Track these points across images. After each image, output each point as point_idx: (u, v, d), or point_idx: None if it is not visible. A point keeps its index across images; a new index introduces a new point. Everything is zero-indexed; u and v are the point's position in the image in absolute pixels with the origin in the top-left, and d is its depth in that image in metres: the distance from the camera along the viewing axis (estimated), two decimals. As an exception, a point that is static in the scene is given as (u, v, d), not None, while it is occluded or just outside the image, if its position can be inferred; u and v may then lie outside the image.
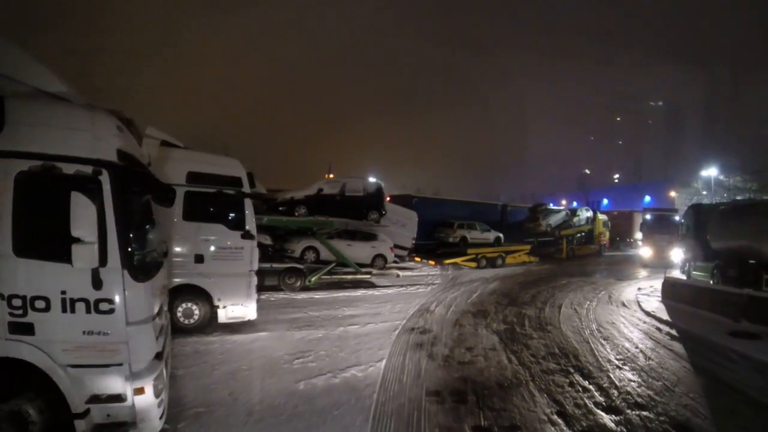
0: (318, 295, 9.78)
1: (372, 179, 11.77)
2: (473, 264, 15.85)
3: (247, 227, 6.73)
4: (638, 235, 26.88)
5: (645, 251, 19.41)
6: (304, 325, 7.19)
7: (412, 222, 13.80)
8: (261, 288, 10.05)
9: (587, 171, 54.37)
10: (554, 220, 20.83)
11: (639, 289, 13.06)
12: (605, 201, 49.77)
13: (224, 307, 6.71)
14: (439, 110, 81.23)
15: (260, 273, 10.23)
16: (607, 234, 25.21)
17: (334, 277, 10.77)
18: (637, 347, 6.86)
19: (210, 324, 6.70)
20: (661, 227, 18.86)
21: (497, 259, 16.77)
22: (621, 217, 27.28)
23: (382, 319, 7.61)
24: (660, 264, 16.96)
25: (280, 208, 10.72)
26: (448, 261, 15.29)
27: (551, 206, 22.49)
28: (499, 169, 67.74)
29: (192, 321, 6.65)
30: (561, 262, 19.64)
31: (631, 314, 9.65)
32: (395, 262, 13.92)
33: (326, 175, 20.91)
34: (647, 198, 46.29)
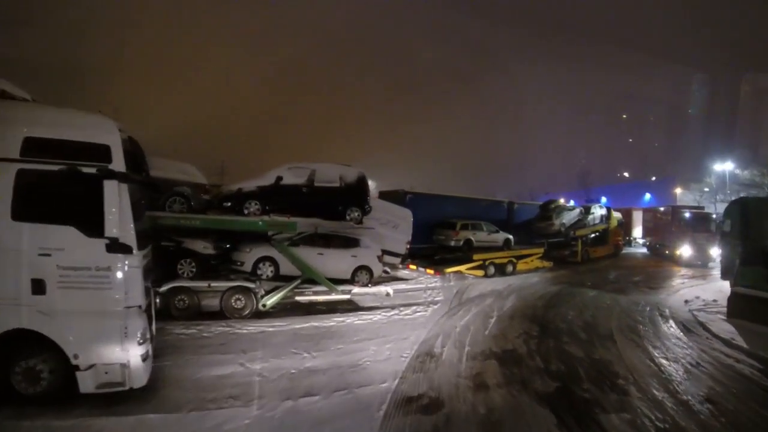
0: (273, 325, 6.88)
1: (352, 167, 8.79)
2: (480, 272, 13.08)
3: (114, 232, 3.86)
4: (637, 232, 25.54)
5: (685, 250, 18.59)
6: (227, 394, 4.30)
7: (406, 222, 10.88)
8: (197, 315, 7.22)
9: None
10: (568, 218, 18.14)
11: (686, 302, 10.65)
12: (603, 199, 47.82)
13: (88, 367, 3.90)
14: (434, 108, 78.68)
15: (195, 294, 7.44)
16: (622, 233, 22.79)
17: (299, 298, 7.88)
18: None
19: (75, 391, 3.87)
20: (699, 226, 18.55)
21: (507, 266, 14.01)
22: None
23: (361, 379, 4.72)
24: (698, 263, 17.97)
25: (225, 204, 7.80)
26: (449, 269, 12.48)
27: (563, 203, 19.78)
28: (495, 167, 65.14)
29: (39, 389, 3.90)
30: (577, 267, 17.01)
31: (708, 344, 7.17)
32: (385, 272, 11.08)
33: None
34: (647, 196, 44.61)
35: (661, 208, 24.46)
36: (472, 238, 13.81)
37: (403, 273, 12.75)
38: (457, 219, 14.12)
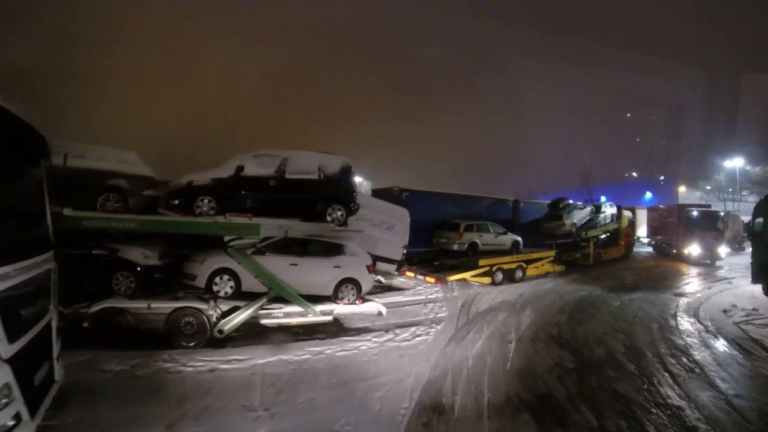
0: (229, 360, 5.24)
1: (334, 155, 7.15)
2: (486, 279, 11.53)
3: None
4: (641, 231, 24.39)
5: (693, 249, 18.13)
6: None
7: (402, 223, 9.25)
8: (138, 343, 5.62)
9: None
10: (579, 218, 16.64)
11: (725, 311, 9.29)
12: (603, 198, 46.58)
13: None
14: (433, 107, 77.32)
15: (133, 316, 5.84)
16: (633, 233, 21.45)
17: (266, 321, 6.25)
18: None
19: None
20: (707, 224, 18.39)
21: (516, 271, 12.48)
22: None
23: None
24: (707, 262, 17.70)
25: (172, 202, 6.17)
26: (452, 277, 10.90)
27: (574, 202, 18.27)
28: (495, 166, 63.79)
29: None
30: (590, 271, 15.51)
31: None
32: (378, 282, 9.49)
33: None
34: (648, 195, 43.43)
35: (674, 206, 23.20)
36: (478, 241, 12.21)
37: (399, 281, 11.20)
38: (460, 219, 12.52)
